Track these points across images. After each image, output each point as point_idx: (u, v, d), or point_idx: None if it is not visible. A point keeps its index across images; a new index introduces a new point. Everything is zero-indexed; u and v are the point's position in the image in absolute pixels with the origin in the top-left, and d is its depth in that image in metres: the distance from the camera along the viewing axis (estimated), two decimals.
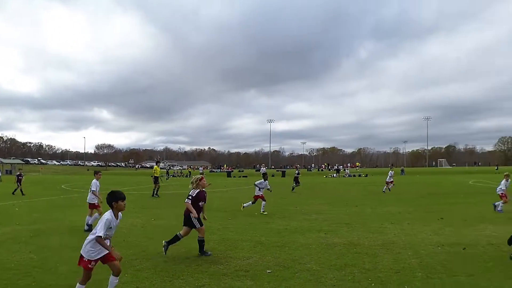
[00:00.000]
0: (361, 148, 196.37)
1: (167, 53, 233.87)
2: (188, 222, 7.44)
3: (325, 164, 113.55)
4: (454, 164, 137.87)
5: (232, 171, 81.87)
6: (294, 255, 7.60)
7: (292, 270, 6.49)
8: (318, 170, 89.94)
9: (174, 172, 73.15)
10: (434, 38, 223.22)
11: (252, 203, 14.19)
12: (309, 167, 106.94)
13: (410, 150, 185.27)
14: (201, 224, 7.47)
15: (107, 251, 4.75)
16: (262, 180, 14.52)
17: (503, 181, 14.47)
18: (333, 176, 57.40)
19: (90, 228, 10.32)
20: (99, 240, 4.65)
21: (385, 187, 23.68)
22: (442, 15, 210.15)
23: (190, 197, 7.44)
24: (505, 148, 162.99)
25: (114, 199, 4.91)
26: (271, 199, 16.75)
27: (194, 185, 7.63)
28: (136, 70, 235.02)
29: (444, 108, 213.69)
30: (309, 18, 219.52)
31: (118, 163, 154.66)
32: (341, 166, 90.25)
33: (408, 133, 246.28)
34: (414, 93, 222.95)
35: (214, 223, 11.39)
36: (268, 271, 6.41)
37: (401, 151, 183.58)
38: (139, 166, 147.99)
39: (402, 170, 70.00)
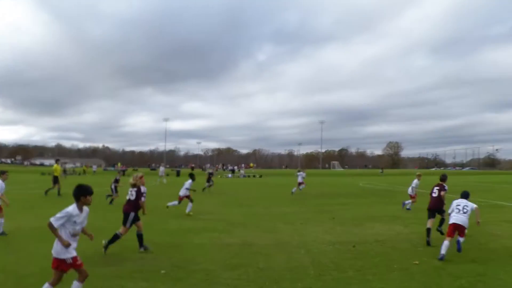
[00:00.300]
0: (256, 149, 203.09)
1: (61, 44, 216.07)
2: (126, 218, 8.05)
3: (221, 164, 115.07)
4: (347, 166, 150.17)
5: (126, 169, 79.25)
6: (188, 255, 7.75)
7: (186, 270, 6.64)
8: (216, 170, 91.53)
9: (66, 171, 67.57)
10: (331, 46, 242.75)
11: (178, 203, 14.36)
12: (204, 167, 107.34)
13: (305, 152, 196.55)
14: (139, 219, 8.18)
15: (75, 254, 4.72)
16: (190, 180, 14.69)
17: (415, 181, 16.32)
18: (228, 177, 58.31)
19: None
20: (49, 224, 4.61)
21: (295, 188, 24.64)
22: (339, 24, 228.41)
23: (144, 195, 8.29)
24: (392, 152, 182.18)
25: (83, 193, 4.89)
26: (165, 200, 16.51)
27: (136, 182, 8.29)
28: (26, 60, 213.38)
29: (338, 113, 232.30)
30: (210, 19, 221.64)
31: (3, 160, 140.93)
32: (236, 167, 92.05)
33: (303, 135, 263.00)
34: (310, 97, 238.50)
35: (108, 224, 10.92)
36: (162, 271, 6.50)
37: (295, 153, 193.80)
38: (28, 163, 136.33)
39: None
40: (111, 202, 17.20)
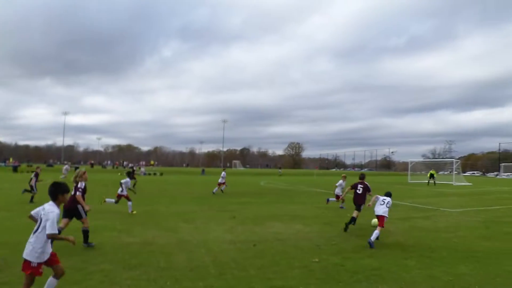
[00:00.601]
0: (157, 147, 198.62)
1: None
2: (71, 213, 8.25)
3: (120, 161, 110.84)
4: (248, 165, 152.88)
5: (19, 165, 72.66)
6: (86, 256, 7.42)
7: (84, 271, 6.37)
8: (113, 167, 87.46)
9: None
10: (238, 45, 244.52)
11: (115, 202, 14.21)
12: (104, 164, 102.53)
13: (206, 151, 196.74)
14: (86, 215, 8.46)
15: (51, 253, 4.79)
16: (128, 179, 14.74)
17: (341, 181, 17.09)
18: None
19: None
20: (54, 236, 4.64)
21: (216, 188, 24.40)
22: (248, 24, 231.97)
23: (80, 190, 8.44)
24: (294, 152, 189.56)
25: (61, 191, 4.98)
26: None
27: (79, 178, 8.62)
28: None
29: (242, 112, 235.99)
30: (117, 8, 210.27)
31: None
32: (136, 164, 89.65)
33: (205, 134, 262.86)
34: (214, 95, 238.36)
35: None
36: None
37: (197, 151, 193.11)
38: None
39: (203, 170, 74.00)
40: (31, 200, 16.40)
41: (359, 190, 11.60)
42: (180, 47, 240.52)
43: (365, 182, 11.78)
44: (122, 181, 14.34)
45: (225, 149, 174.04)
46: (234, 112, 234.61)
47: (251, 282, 6.14)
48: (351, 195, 11.94)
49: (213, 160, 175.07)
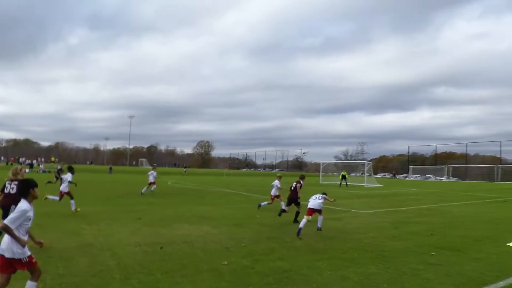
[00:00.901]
0: (59, 142, 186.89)
1: None
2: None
3: (16, 157, 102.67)
4: (155, 164, 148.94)
5: None
6: None
7: None
8: (7, 164, 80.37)
9: None
10: (150, 37, 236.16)
11: (59, 199, 14.42)
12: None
13: (112, 148, 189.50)
14: None
15: (30, 253, 4.83)
16: (70, 173, 14.76)
17: (277, 181, 17.12)
18: (26, 172, 52.39)
19: None
20: (7, 228, 4.59)
21: (145, 188, 23.40)
22: (161, 16, 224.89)
23: None
24: (203, 151, 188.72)
25: (32, 186, 5.03)
26: None
27: (16, 175, 8.61)
28: None
29: (150, 108, 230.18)
30: None
31: None
32: (35, 161, 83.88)
33: (111, 129, 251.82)
34: (121, 89, 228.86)
35: None
36: None
37: (102, 148, 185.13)
38: None
39: (110, 168, 70.62)
40: None
41: (293, 187, 14.07)
42: (88, 36, 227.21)
43: (300, 181, 14.21)
44: (63, 176, 14.24)
45: (131, 147, 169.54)
46: (142, 108, 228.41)
47: (158, 286, 6.07)
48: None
49: (119, 157, 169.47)
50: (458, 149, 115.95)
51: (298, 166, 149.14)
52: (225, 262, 7.69)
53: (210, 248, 9.02)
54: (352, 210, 18.30)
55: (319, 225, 11.60)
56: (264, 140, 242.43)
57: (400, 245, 10.12)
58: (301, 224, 10.99)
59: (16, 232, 4.67)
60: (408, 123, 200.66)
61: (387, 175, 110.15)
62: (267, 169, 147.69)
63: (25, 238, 4.85)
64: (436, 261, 8.32)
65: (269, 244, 9.71)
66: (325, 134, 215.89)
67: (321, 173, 55.61)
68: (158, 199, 20.78)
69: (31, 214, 4.93)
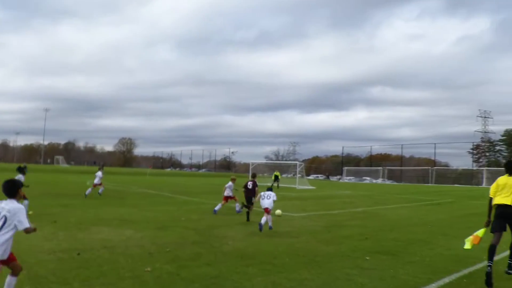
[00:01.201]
0: None
1: None
2: None
3: None
4: (72, 162, 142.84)
5: None
6: None
7: None
8: None
9: None
10: (69, 22, 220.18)
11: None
12: None
13: (23, 144, 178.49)
14: None
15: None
16: (21, 175, 14.99)
17: (230, 183, 17.03)
18: None
19: None
20: (33, 230, 5.20)
21: (90, 189, 21.96)
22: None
23: None
24: (125, 149, 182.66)
25: (19, 186, 5.35)
26: None
27: None
28: None
29: (67, 100, 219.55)
30: None
31: None
32: None
33: (23, 123, 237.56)
34: (36, 79, 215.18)
35: None
36: None
37: (11, 144, 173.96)
38: None
39: (25, 167, 66.19)
40: None
41: (249, 185, 15.15)
42: None
43: (255, 180, 15.36)
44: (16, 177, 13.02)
45: (46, 143, 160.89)
46: (58, 100, 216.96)
47: None
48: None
49: (32, 154, 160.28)
50: (394, 151, 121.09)
51: (226, 166, 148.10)
52: (149, 269, 7.42)
53: (132, 253, 8.68)
54: (284, 213, 18.38)
55: (263, 221, 12.13)
56: (190, 138, 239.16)
57: (333, 249, 10.18)
58: (262, 221, 12.06)
59: (12, 230, 5.04)
60: (343, 123, 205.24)
61: (320, 176, 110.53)
62: (193, 169, 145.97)
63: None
64: (370, 266, 8.43)
65: (195, 248, 9.52)
66: (256, 133, 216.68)
67: (250, 173, 54.63)
68: (75, 200, 19.85)
69: None
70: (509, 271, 7.85)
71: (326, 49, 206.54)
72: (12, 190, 5.23)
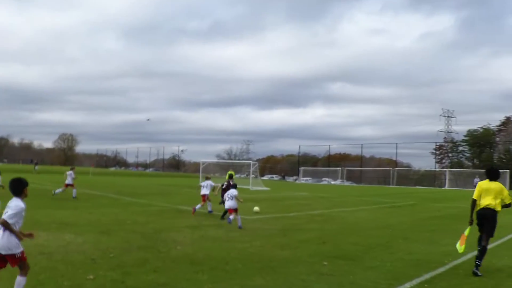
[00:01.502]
0: None
1: None
2: None
3: None
4: (6, 160, 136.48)
5: None
6: None
7: None
8: None
9: None
10: (4, 3, 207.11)
11: None
12: None
13: None
14: None
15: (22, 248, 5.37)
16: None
17: (210, 181, 17.65)
18: None
19: None
20: (6, 223, 5.17)
21: (61, 189, 21.29)
22: None
23: None
24: (65, 146, 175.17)
25: (25, 185, 5.61)
26: None
27: None
28: None
29: (1, 91, 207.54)
30: None
31: None
32: None
33: None
34: None
35: None
36: None
37: None
38: None
39: None
40: None
41: (224, 186, 17.03)
42: None
43: (229, 181, 16.98)
44: None
45: None
46: None
47: None
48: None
49: None
50: (353, 151, 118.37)
51: (175, 165, 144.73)
52: (91, 276, 7.11)
53: (73, 260, 8.30)
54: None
55: (239, 224, 13.58)
56: (137, 134, 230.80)
57: (289, 254, 10.03)
58: (231, 217, 13.68)
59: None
60: (300, 120, 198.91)
61: (275, 177, 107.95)
62: (140, 168, 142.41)
63: None
64: (329, 271, 8.35)
65: (141, 254, 9.23)
66: (207, 130, 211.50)
67: (201, 173, 51.18)
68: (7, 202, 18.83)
69: (24, 213, 5.50)
70: (476, 271, 8.17)
71: (283, 42, 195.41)
72: (18, 188, 5.55)
